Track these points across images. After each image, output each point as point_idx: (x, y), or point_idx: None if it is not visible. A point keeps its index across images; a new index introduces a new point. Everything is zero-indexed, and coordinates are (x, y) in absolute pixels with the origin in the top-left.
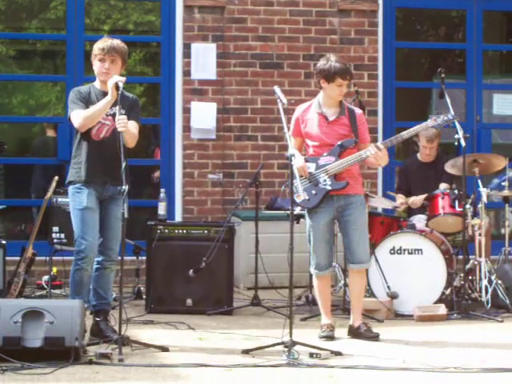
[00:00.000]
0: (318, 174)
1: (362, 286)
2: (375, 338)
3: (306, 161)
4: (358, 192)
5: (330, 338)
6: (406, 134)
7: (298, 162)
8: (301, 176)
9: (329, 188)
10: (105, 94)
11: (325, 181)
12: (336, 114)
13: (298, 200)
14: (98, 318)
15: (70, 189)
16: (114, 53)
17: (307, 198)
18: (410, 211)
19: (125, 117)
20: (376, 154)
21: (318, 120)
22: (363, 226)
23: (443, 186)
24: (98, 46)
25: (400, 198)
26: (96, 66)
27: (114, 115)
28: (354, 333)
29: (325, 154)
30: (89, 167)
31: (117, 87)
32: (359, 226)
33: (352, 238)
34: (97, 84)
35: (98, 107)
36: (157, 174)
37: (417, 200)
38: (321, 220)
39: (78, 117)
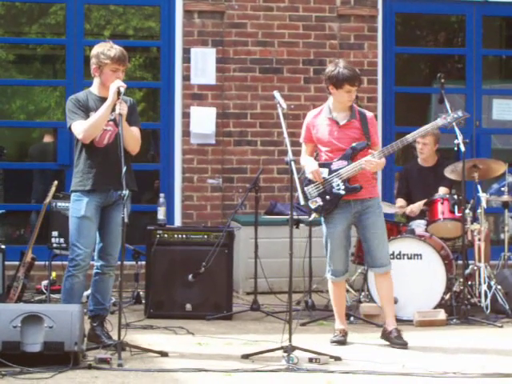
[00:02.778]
0: (332, 179)
1: (390, 289)
2: (402, 346)
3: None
4: (374, 195)
5: (342, 343)
6: (412, 136)
7: (311, 166)
8: (315, 181)
9: (342, 192)
10: (103, 100)
11: (338, 185)
12: (347, 118)
13: (312, 206)
14: (94, 324)
15: (72, 195)
16: (126, 61)
17: (322, 203)
18: (410, 216)
19: (124, 104)
20: (371, 166)
21: (329, 125)
22: (382, 228)
23: (442, 190)
24: (108, 55)
25: (400, 202)
26: (107, 74)
27: (114, 120)
28: (386, 337)
29: (336, 158)
30: (93, 176)
31: (118, 93)
32: (378, 230)
33: (372, 243)
34: (94, 90)
35: (99, 114)
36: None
37: (415, 208)
38: (338, 226)
39: (81, 129)
